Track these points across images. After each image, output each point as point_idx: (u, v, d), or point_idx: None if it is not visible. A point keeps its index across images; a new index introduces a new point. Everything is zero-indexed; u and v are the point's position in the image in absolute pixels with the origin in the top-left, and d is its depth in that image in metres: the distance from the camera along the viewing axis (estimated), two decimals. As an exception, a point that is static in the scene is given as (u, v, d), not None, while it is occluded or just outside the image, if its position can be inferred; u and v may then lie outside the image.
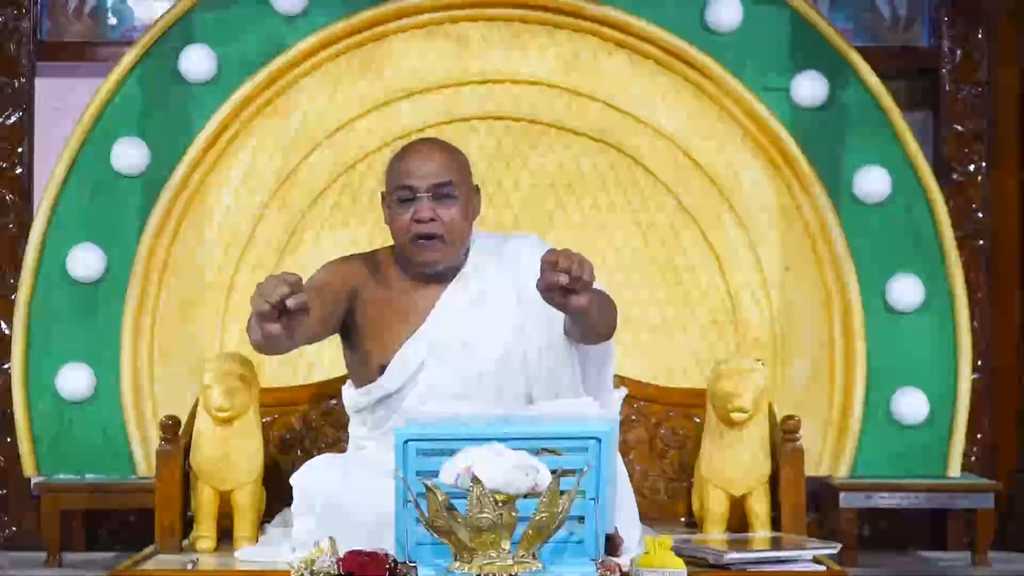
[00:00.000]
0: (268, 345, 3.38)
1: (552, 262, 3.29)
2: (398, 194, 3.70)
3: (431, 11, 4.89)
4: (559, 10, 4.89)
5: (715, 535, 3.91)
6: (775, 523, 3.92)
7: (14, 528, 5.11)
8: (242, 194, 4.87)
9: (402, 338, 3.73)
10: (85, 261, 4.81)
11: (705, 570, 3.47)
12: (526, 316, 3.73)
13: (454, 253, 3.74)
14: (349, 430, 3.91)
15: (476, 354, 3.73)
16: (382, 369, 3.75)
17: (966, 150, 5.21)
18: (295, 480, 3.68)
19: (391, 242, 3.80)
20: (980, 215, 5.21)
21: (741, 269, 4.88)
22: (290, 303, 3.22)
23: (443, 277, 3.77)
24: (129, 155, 4.83)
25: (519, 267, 3.74)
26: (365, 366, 3.78)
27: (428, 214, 3.67)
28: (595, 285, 3.39)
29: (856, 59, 4.89)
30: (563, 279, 3.28)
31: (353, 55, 4.89)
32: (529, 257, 3.67)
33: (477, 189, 3.81)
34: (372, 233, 4.77)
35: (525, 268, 3.66)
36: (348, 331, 3.79)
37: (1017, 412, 5.20)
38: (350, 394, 3.85)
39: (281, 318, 3.25)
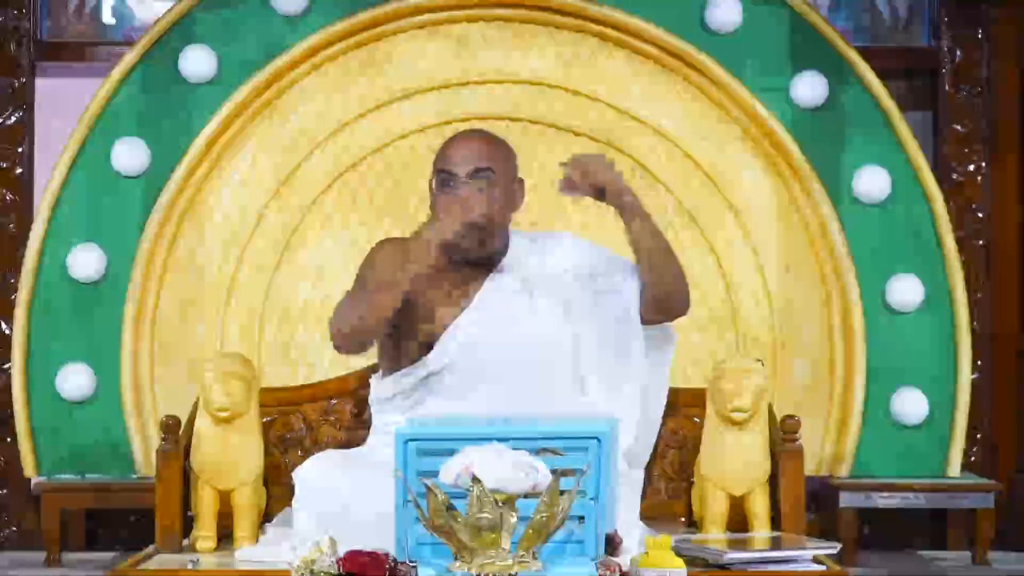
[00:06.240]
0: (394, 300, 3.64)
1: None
2: (439, 177, 3.73)
3: (431, 11, 4.89)
4: (559, 10, 4.88)
5: (715, 535, 3.90)
6: (775, 523, 3.91)
7: (14, 528, 5.11)
8: (242, 194, 4.86)
9: (451, 316, 3.76)
10: (85, 261, 4.81)
11: (705, 570, 3.47)
12: (570, 305, 3.78)
13: (495, 240, 3.77)
14: (374, 422, 3.90)
15: (523, 340, 3.76)
16: (428, 347, 3.75)
17: (966, 150, 5.21)
18: (298, 473, 3.69)
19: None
20: (980, 215, 5.21)
21: (741, 269, 4.88)
22: None
23: (485, 265, 3.80)
24: (129, 155, 4.83)
25: (559, 259, 3.87)
26: (408, 345, 3.78)
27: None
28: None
29: (856, 59, 4.89)
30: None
31: (353, 55, 4.89)
32: (570, 250, 3.89)
33: (521, 181, 3.85)
34: (372, 233, 4.76)
35: (565, 260, 3.85)
36: None
37: (1017, 412, 5.20)
38: (385, 381, 3.84)
39: None
